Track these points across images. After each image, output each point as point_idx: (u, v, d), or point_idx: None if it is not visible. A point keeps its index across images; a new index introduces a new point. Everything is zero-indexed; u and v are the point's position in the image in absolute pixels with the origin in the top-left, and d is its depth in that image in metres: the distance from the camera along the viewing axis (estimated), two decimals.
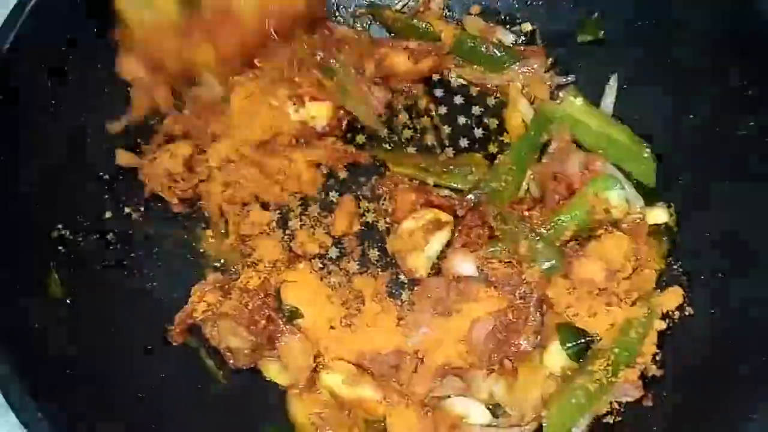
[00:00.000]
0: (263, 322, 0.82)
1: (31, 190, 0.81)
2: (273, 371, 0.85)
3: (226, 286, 0.87)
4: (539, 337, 0.82)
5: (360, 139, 1.01)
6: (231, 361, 0.83)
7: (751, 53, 0.84)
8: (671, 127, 0.93)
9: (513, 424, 0.82)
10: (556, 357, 0.82)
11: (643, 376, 0.82)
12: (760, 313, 0.75)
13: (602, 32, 1.00)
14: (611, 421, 0.82)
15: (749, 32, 0.83)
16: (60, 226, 0.84)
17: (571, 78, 1.03)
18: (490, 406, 0.83)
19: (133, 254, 0.91)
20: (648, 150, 0.93)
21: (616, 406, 0.82)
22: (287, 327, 0.83)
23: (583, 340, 0.82)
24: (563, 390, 0.80)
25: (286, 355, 0.83)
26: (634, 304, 0.84)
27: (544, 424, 0.80)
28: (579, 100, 0.97)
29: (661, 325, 0.83)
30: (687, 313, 0.85)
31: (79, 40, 0.88)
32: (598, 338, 0.83)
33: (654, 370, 0.82)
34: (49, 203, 0.83)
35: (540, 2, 1.05)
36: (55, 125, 0.86)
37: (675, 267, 0.89)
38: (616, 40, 0.99)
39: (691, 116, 0.91)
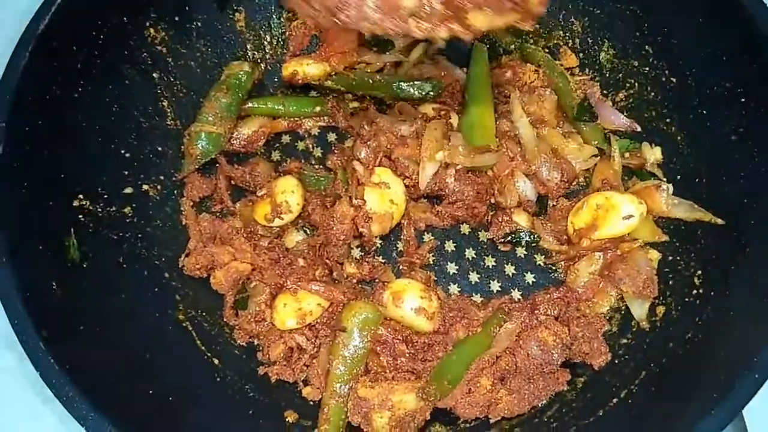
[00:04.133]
0: None
1: (58, 158, 0.86)
2: None
3: None
4: None
5: None
6: None
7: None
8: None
9: None
10: None
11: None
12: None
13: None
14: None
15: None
16: (81, 196, 0.89)
17: None
18: None
19: (148, 229, 0.96)
20: None
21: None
22: None
23: None
24: None
25: None
26: None
27: None
28: None
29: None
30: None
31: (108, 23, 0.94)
32: None
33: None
34: (72, 173, 0.88)
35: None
36: (84, 102, 0.91)
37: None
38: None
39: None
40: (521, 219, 1.00)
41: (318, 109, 1.09)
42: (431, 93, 1.07)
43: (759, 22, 0.85)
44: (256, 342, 0.92)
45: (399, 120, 1.04)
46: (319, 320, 0.90)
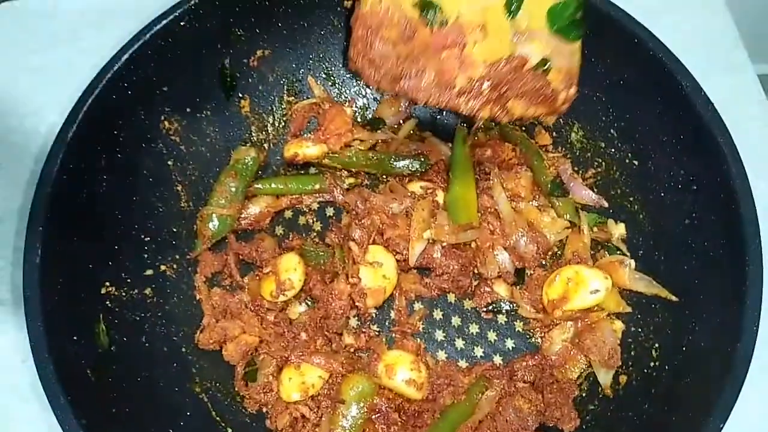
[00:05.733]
0: None
1: (88, 253, 0.97)
2: None
3: None
4: None
5: None
6: None
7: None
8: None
9: None
10: None
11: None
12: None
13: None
14: None
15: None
16: (107, 283, 1.00)
17: None
18: None
19: (167, 307, 1.07)
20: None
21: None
22: None
23: None
24: None
25: None
26: None
27: None
28: None
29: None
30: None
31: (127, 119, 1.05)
32: None
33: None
34: (100, 263, 0.99)
35: None
36: (108, 197, 1.02)
37: None
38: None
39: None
40: (501, 289, 1.11)
41: (317, 186, 1.20)
42: (419, 169, 1.18)
43: (706, 119, 0.96)
44: (264, 410, 1.03)
45: (390, 198, 1.15)
46: (320, 391, 1.01)
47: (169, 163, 1.13)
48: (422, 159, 1.19)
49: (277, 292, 1.07)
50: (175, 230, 1.13)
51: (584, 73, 1.09)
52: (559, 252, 1.15)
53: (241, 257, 1.15)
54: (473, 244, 1.13)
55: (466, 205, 1.11)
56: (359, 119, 1.28)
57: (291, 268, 1.08)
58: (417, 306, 1.13)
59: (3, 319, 1.10)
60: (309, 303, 1.11)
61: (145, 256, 1.08)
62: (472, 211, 1.11)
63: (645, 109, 1.06)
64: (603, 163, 1.15)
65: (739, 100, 1.26)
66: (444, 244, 1.10)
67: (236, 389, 1.05)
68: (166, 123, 1.12)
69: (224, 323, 1.06)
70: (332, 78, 1.26)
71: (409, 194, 1.15)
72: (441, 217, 1.11)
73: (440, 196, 1.15)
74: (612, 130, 1.12)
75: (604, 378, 1.01)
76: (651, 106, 1.04)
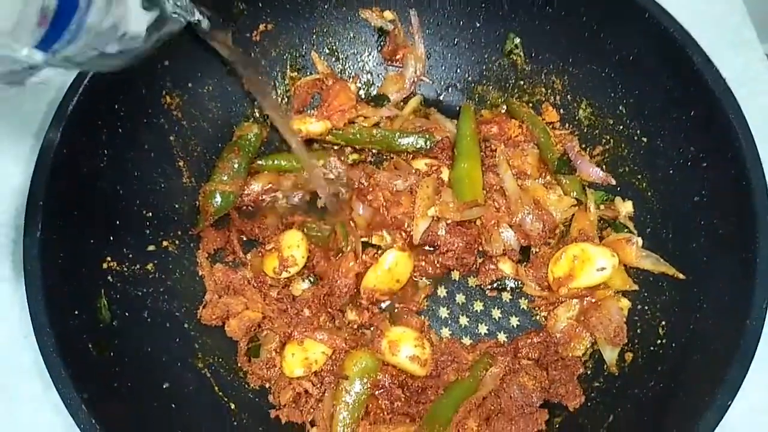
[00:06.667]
0: None
1: (89, 227, 0.96)
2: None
3: None
4: None
5: None
6: None
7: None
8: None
9: None
10: None
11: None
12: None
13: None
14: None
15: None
16: (109, 258, 0.99)
17: None
18: None
19: (169, 282, 1.06)
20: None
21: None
22: None
23: None
24: None
25: None
26: None
27: None
28: None
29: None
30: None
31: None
32: None
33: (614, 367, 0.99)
34: (101, 238, 0.98)
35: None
36: (109, 172, 1.01)
37: None
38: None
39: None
40: (506, 267, 1.10)
41: (321, 162, 1.19)
42: (424, 146, 1.17)
43: (717, 94, 0.94)
44: (267, 385, 1.03)
45: (395, 175, 1.13)
46: (323, 367, 1.00)
47: (171, 138, 1.12)
48: (427, 136, 1.18)
49: (280, 268, 1.06)
50: (177, 206, 1.12)
51: (593, 49, 1.09)
52: (565, 230, 1.13)
53: (243, 234, 1.14)
54: (478, 222, 1.12)
55: (472, 183, 1.10)
56: (363, 96, 1.26)
57: (294, 245, 1.07)
58: (421, 283, 1.12)
59: (5, 296, 1.09)
60: (312, 280, 1.10)
61: (147, 231, 1.06)
62: (477, 188, 1.10)
63: (654, 85, 1.04)
64: (611, 140, 1.13)
65: (747, 78, 1.24)
66: (449, 221, 1.09)
67: (239, 365, 1.04)
68: (167, 98, 1.10)
69: (227, 299, 1.05)
70: (336, 54, 1.24)
71: (414, 171, 1.14)
72: (446, 194, 1.09)
73: (445, 174, 1.14)
74: (620, 107, 1.10)
75: (610, 355, 1.00)
76: (660, 82, 1.03)
